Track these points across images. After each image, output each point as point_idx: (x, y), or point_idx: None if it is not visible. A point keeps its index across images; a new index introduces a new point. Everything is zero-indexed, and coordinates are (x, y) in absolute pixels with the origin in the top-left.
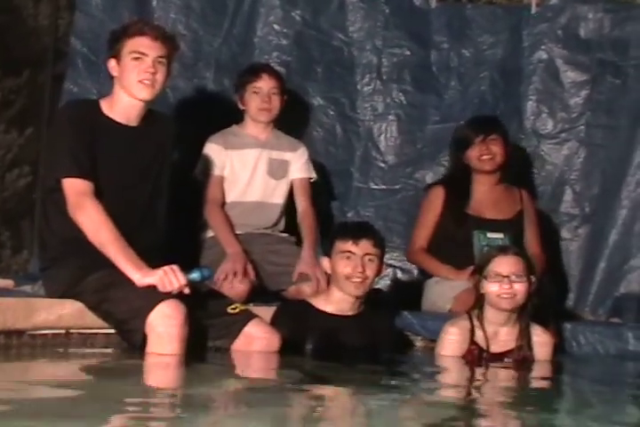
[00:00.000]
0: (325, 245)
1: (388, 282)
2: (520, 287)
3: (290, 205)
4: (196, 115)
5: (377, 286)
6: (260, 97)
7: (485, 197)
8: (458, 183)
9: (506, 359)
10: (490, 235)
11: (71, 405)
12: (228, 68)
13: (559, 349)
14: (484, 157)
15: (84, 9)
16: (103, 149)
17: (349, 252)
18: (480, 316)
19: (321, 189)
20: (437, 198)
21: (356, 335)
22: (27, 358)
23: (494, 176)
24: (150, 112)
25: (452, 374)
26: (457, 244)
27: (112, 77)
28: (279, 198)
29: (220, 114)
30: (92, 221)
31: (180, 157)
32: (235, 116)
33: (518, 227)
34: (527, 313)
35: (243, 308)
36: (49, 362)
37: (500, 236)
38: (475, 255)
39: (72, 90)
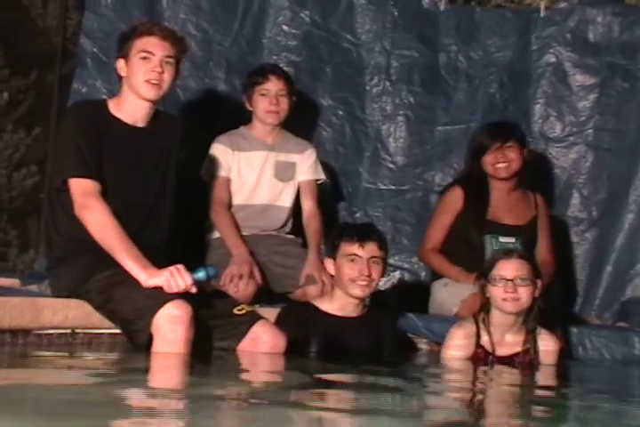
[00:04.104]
0: (328, 246)
1: (396, 284)
2: (524, 291)
3: (297, 207)
4: (208, 115)
5: (380, 289)
6: (268, 99)
7: (502, 202)
8: (476, 186)
9: (512, 363)
10: (502, 239)
11: (75, 405)
12: (238, 69)
13: (565, 353)
14: (500, 164)
15: (94, 8)
16: (110, 149)
17: (355, 255)
18: (486, 319)
19: (329, 190)
20: (457, 200)
21: (360, 337)
22: (32, 358)
23: (510, 182)
24: (158, 113)
25: (457, 377)
26: (471, 247)
27: (120, 78)
28: (286, 201)
29: (231, 114)
30: (98, 221)
31: (190, 157)
32: (246, 117)
33: (532, 232)
34: (533, 317)
35: (249, 309)
36: (54, 362)
37: (512, 240)
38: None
39: (80, 90)
